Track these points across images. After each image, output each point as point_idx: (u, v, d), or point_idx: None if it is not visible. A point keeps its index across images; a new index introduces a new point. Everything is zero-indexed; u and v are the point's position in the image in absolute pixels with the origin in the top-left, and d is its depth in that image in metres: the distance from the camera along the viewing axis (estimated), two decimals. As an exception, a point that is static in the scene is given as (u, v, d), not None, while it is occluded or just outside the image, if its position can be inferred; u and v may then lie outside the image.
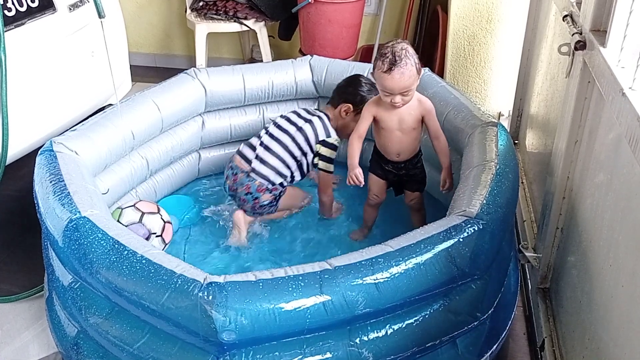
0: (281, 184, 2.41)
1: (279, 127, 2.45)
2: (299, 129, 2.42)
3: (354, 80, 2.51)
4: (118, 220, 2.14)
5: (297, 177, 2.47)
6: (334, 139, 2.44)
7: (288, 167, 2.40)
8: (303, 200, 2.58)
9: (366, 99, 2.35)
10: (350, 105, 2.46)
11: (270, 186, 2.37)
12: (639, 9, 1.49)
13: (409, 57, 2.02)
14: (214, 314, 1.46)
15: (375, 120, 2.23)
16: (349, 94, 2.47)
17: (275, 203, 2.43)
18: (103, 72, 3.06)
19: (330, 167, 2.43)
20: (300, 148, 2.41)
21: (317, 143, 2.42)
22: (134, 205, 2.23)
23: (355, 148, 2.23)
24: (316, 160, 2.44)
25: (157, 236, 2.20)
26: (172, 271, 1.55)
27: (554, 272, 2.11)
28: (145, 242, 1.73)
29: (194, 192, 2.69)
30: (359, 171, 2.21)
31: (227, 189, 2.44)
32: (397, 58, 2.00)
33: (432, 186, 2.61)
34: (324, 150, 2.41)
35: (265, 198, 2.38)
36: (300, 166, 2.44)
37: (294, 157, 2.41)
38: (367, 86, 2.47)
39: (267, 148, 2.40)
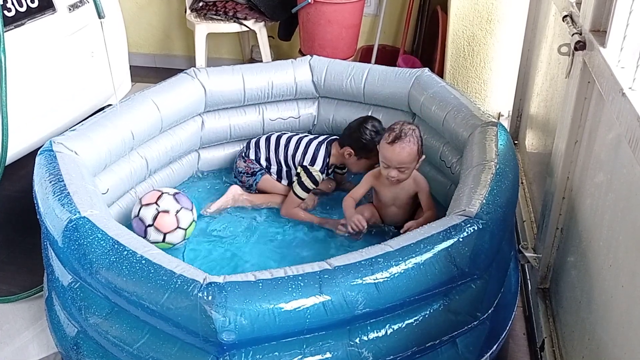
0: (260, 168, 2.62)
1: (289, 137, 2.64)
2: (297, 146, 2.58)
3: (361, 125, 2.51)
4: None
5: (280, 178, 2.65)
6: (316, 170, 2.50)
7: (270, 163, 2.63)
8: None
9: (369, 147, 2.44)
10: (352, 150, 2.51)
11: (249, 159, 2.63)
12: (638, 9, 1.49)
13: (414, 137, 2.17)
14: (213, 314, 1.46)
15: (373, 189, 2.37)
16: (353, 140, 2.51)
17: (251, 178, 2.62)
18: (103, 73, 3.06)
19: (303, 195, 2.51)
20: (286, 160, 2.61)
21: (299, 165, 2.53)
22: (140, 198, 2.27)
23: (349, 205, 2.34)
24: (294, 179, 2.54)
25: (149, 226, 2.20)
26: (171, 271, 1.55)
27: (554, 272, 2.11)
28: (145, 242, 1.73)
29: (193, 192, 2.69)
30: (357, 217, 2.27)
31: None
32: (403, 134, 2.16)
33: (432, 185, 2.61)
34: (302, 176, 2.51)
35: (240, 165, 2.65)
36: (280, 171, 2.63)
37: (279, 162, 2.63)
38: (372, 134, 2.46)
39: (267, 141, 2.66)
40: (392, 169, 2.19)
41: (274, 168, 2.63)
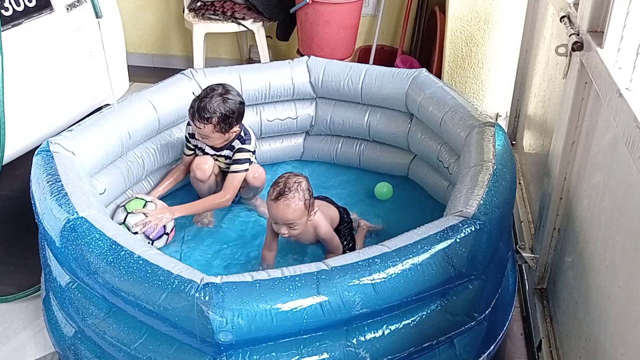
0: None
1: None
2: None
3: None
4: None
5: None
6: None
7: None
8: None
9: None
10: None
11: None
12: (635, 10, 1.50)
13: (300, 191, 2.00)
14: (210, 314, 1.46)
15: None
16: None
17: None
18: (100, 72, 3.06)
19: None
20: None
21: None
22: (124, 206, 2.26)
23: (268, 258, 2.21)
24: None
25: (134, 233, 2.19)
26: (169, 272, 1.55)
27: (551, 273, 2.11)
28: (143, 243, 1.73)
29: (190, 192, 2.68)
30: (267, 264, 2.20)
31: None
32: (287, 189, 1.99)
33: (431, 186, 2.61)
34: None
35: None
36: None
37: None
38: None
39: None
40: (281, 226, 2.03)
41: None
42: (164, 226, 2.25)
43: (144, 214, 2.22)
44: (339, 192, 2.69)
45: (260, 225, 2.49)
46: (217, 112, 2.26)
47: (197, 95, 2.33)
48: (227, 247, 2.37)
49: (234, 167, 2.41)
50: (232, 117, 2.30)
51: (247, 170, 2.42)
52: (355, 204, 2.62)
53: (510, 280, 2.12)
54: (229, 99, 2.29)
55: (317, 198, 2.29)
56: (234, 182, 2.40)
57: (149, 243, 2.20)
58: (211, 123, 2.27)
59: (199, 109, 2.26)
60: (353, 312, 1.56)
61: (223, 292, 1.48)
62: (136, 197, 2.31)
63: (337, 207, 2.34)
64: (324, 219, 2.15)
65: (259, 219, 2.53)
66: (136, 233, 2.18)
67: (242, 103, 2.35)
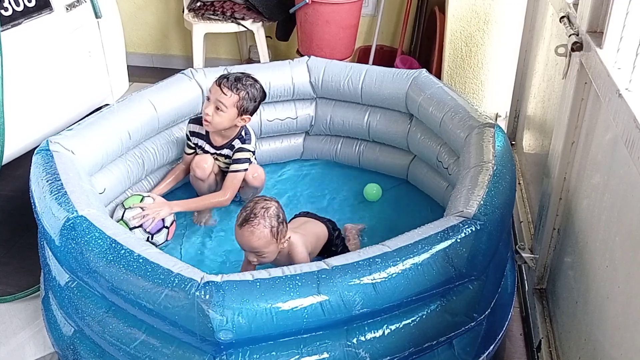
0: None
1: None
2: None
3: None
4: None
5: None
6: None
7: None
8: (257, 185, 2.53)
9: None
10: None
11: None
12: (635, 11, 1.50)
13: (266, 218, 1.86)
14: (211, 313, 1.46)
15: None
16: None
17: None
18: (100, 72, 3.06)
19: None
20: None
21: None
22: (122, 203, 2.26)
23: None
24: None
25: (135, 228, 2.19)
26: (169, 270, 1.55)
27: (551, 273, 2.11)
28: (143, 241, 1.73)
29: (190, 192, 2.68)
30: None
31: None
32: (252, 215, 1.85)
33: (430, 186, 2.62)
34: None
35: None
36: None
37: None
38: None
39: None
40: (250, 253, 1.90)
41: None
42: (163, 220, 2.25)
43: (141, 208, 2.22)
44: (338, 192, 2.70)
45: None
46: (248, 88, 2.32)
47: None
48: (227, 246, 2.37)
49: (233, 167, 2.41)
50: (254, 102, 2.36)
51: (246, 170, 2.43)
52: (355, 204, 2.62)
53: (510, 280, 2.12)
54: (257, 87, 2.37)
55: (300, 215, 2.26)
56: (233, 181, 2.40)
57: (148, 238, 2.20)
58: (238, 94, 2.30)
59: (232, 78, 2.31)
60: (353, 312, 1.56)
61: (223, 291, 1.48)
62: (134, 194, 2.31)
63: (324, 221, 2.23)
64: (302, 244, 2.00)
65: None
66: (136, 228, 2.18)
67: (263, 98, 2.41)
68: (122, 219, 2.20)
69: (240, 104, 2.32)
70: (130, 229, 2.17)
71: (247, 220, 1.86)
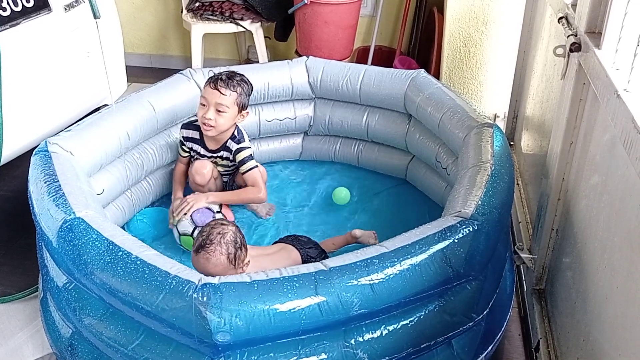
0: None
1: None
2: None
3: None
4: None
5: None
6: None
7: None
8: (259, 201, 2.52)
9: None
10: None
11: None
12: (633, 11, 1.50)
13: (223, 245, 1.77)
14: (208, 315, 1.45)
15: None
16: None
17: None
18: (98, 73, 3.06)
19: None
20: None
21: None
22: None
23: None
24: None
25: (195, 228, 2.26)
26: (166, 272, 1.55)
27: (549, 274, 2.11)
28: (140, 243, 1.72)
29: (189, 193, 2.68)
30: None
31: None
32: (207, 242, 1.77)
33: (429, 186, 2.62)
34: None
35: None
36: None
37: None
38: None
39: None
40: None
41: None
42: (211, 210, 2.31)
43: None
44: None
45: (261, 226, 2.49)
46: (242, 83, 2.35)
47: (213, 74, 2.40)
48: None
49: (244, 168, 2.43)
50: (248, 97, 2.38)
51: (256, 166, 2.45)
52: (354, 204, 2.62)
53: (508, 280, 2.12)
54: (246, 80, 2.38)
55: (281, 240, 2.20)
56: (256, 179, 2.42)
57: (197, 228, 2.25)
58: (236, 91, 2.31)
59: (224, 77, 2.32)
60: (351, 313, 1.56)
61: (221, 293, 1.48)
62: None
63: (302, 246, 2.15)
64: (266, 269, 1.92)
65: (260, 221, 2.53)
66: (193, 231, 2.25)
67: (252, 92, 2.44)
68: (178, 231, 2.30)
69: (239, 100, 2.34)
70: (192, 232, 2.26)
71: (202, 247, 1.77)
